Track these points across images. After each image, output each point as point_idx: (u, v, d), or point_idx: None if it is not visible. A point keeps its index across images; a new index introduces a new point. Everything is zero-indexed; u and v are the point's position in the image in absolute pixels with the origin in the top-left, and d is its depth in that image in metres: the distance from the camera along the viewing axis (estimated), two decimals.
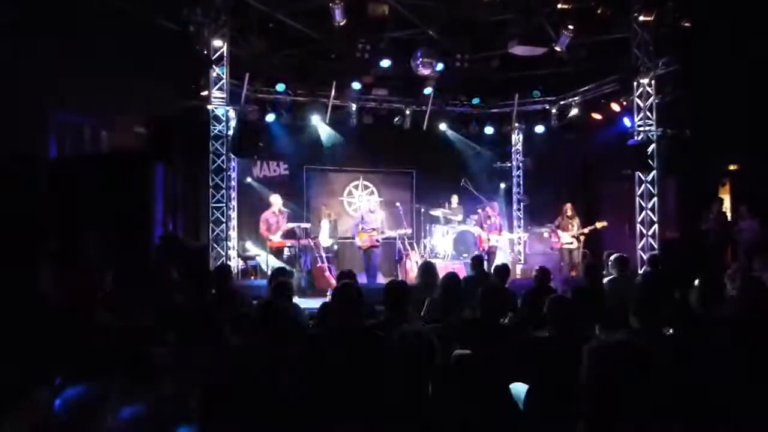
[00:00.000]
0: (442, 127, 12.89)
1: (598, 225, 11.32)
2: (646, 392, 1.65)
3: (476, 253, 9.89)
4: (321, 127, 12.49)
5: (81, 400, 2.22)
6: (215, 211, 9.41)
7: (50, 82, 9.46)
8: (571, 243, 11.55)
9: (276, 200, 10.79)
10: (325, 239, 11.44)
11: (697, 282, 4.24)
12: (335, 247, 11.76)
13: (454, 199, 12.59)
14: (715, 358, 3.52)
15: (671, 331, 4.06)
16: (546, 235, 12.28)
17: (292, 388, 3.00)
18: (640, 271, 9.56)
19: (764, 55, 9.07)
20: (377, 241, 10.66)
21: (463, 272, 9.70)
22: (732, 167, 11.22)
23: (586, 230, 11.44)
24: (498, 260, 10.71)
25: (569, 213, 11.65)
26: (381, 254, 11.05)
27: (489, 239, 11.43)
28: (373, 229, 10.64)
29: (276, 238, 10.50)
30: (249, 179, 12.44)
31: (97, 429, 2.21)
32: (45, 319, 4.32)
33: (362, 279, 10.62)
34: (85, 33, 9.66)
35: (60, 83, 9.54)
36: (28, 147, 9.09)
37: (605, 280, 6.72)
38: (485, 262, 9.06)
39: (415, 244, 12.10)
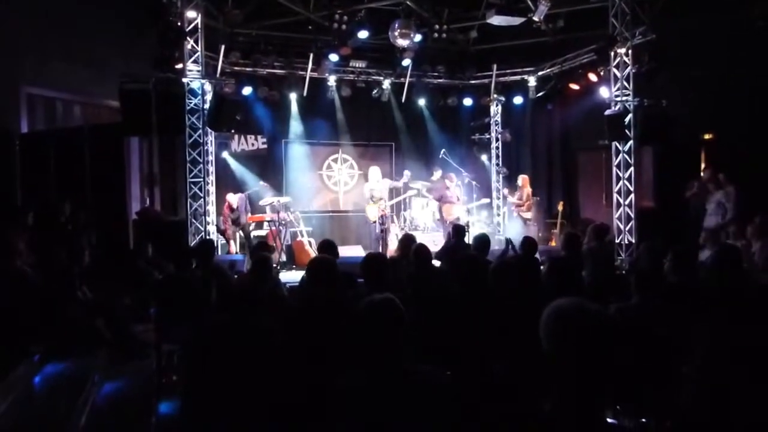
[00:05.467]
0: (421, 99, 12.85)
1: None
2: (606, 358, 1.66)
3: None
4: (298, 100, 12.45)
5: (62, 376, 2.22)
6: (193, 186, 9.32)
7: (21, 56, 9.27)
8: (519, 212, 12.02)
9: (233, 198, 11.24)
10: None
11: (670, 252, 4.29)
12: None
13: (437, 173, 12.58)
14: (686, 327, 3.59)
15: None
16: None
17: (271, 363, 3.02)
18: (617, 240, 9.70)
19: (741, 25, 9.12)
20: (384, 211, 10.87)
21: (442, 243, 9.75)
22: (707, 136, 11.32)
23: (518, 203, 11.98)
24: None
25: (519, 182, 12.05)
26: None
27: (452, 213, 11.36)
28: (380, 199, 10.75)
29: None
30: (226, 153, 12.33)
31: (78, 405, 2.21)
32: (23, 296, 4.28)
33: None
34: (58, 5, 9.45)
35: (32, 56, 9.36)
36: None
37: (584, 249, 6.79)
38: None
39: (395, 217, 12.12)
